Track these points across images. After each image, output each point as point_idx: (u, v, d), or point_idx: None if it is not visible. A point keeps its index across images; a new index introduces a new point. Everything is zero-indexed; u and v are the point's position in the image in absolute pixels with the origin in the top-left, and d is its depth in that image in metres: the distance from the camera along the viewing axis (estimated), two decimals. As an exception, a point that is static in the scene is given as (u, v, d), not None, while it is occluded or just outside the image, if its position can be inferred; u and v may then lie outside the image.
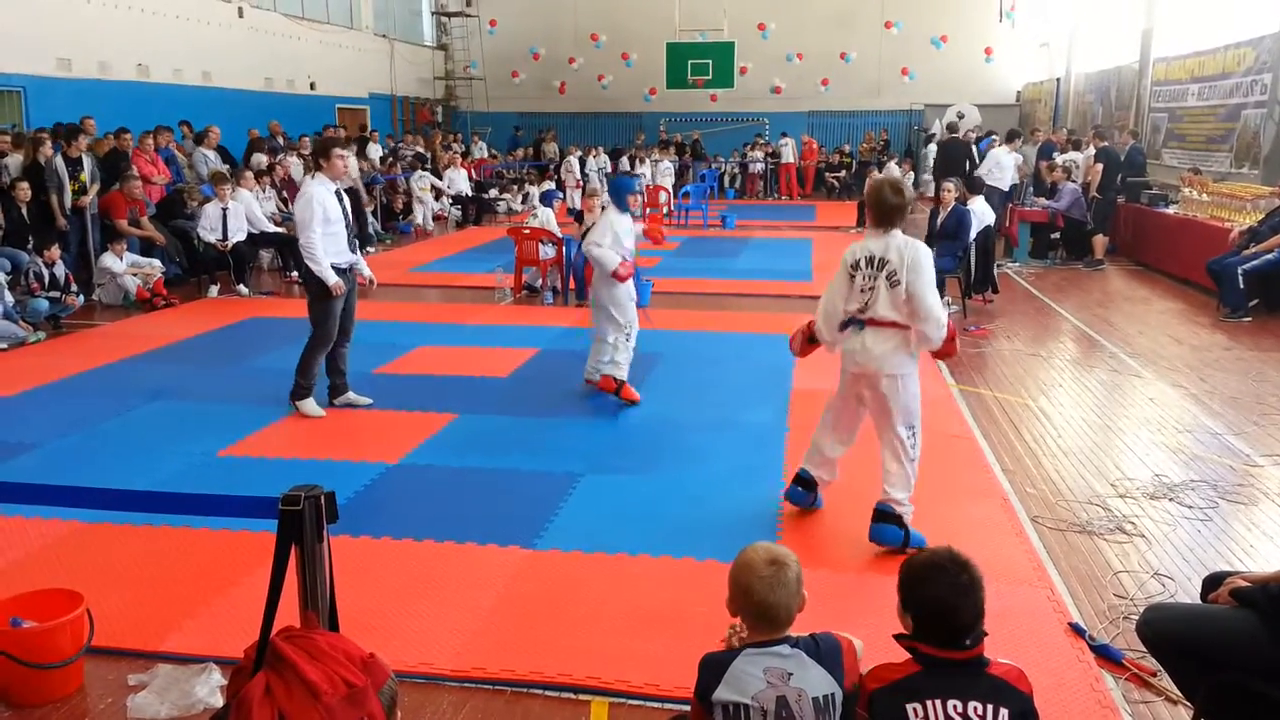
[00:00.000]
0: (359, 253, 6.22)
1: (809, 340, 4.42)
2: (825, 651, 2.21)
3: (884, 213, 4.08)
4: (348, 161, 6.13)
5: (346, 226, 6.01)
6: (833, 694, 2.17)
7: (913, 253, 4.01)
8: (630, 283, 6.28)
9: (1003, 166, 12.76)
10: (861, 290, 4.09)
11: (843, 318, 4.18)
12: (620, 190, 6.38)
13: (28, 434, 5.72)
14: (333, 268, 5.89)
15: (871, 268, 4.05)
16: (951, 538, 4.19)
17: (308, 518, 2.31)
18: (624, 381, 6.23)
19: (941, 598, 2.14)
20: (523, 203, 17.63)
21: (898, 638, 2.23)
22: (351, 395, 6.28)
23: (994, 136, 15.10)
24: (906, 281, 3.98)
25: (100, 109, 12.00)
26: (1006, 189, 12.71)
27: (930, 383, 6.81)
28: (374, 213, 15.03)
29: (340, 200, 5.99)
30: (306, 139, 14.75)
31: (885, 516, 4.15)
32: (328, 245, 5.88)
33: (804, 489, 4.52)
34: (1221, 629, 2.62)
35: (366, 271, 6.28)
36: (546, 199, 11.42)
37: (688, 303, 9.80)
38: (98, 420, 5.98)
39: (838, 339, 4.26)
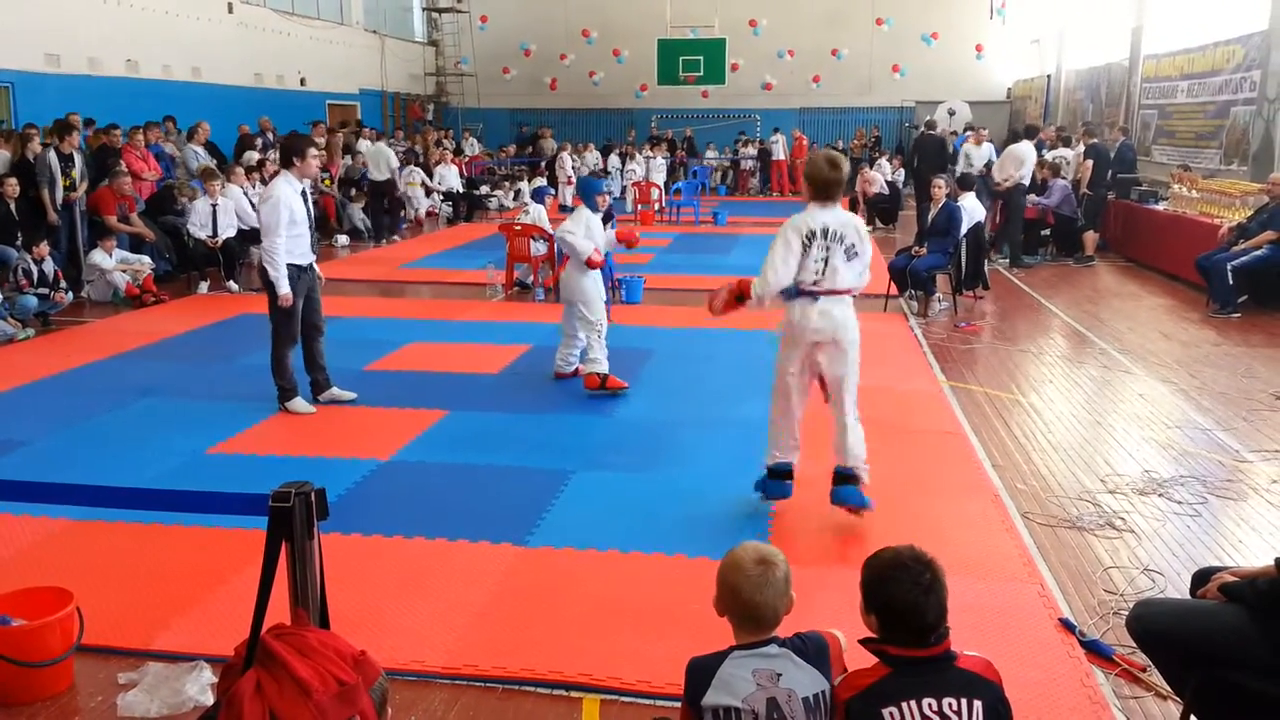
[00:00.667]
0: (317, 251, 6.22)
1: (737, 300, 4.36)
2: (813, 650, 2.21)
3: (826, 186, 4.18)
4: (319, 160, 6.12)
5: (310, 228, 5.99)
6: (822, 692, 2.17)
7: (861, 225, 4.29)
8: (600, 279, 6.48)
9: (1028, 163, 12.41)
10: (815, 261, 4.14)
11: (789, 286, 4.21)
12: (589, 191, 6.82)
13: (16, 431, 5.69)
14: (294, 266, 5.86)
15: (825, 239, 4.13)
16: (942, 534, 4.22)
17: (298, 515, 2.31)
18: (606, 374, 6.31)
19: (904, 597, 2.13)
20: (514, 199, 17.62)
21: (864, 642, 2.22)
22: (335, 391, 6.26)
23: (969, 133, 15.12)
24: (863, 253, 4.22)
25: (89, 105, 11.93)
26: (1025, 184, 12.32)
27: (920, 379, 6.84)
28: (365, 209, 15.00)
29: (305, 200, 5.95)
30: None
31: (849, 479, 4.31)
32: (292, 246, 5.83)
33: (789, 479, 4.50)
34: (1210, 624, 2.63)
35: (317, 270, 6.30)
36: (538, 195, 11.42)
37: (679, 299, 9.79)
38: (87, 417, 5.95)
39: (771, 304, 4.29)
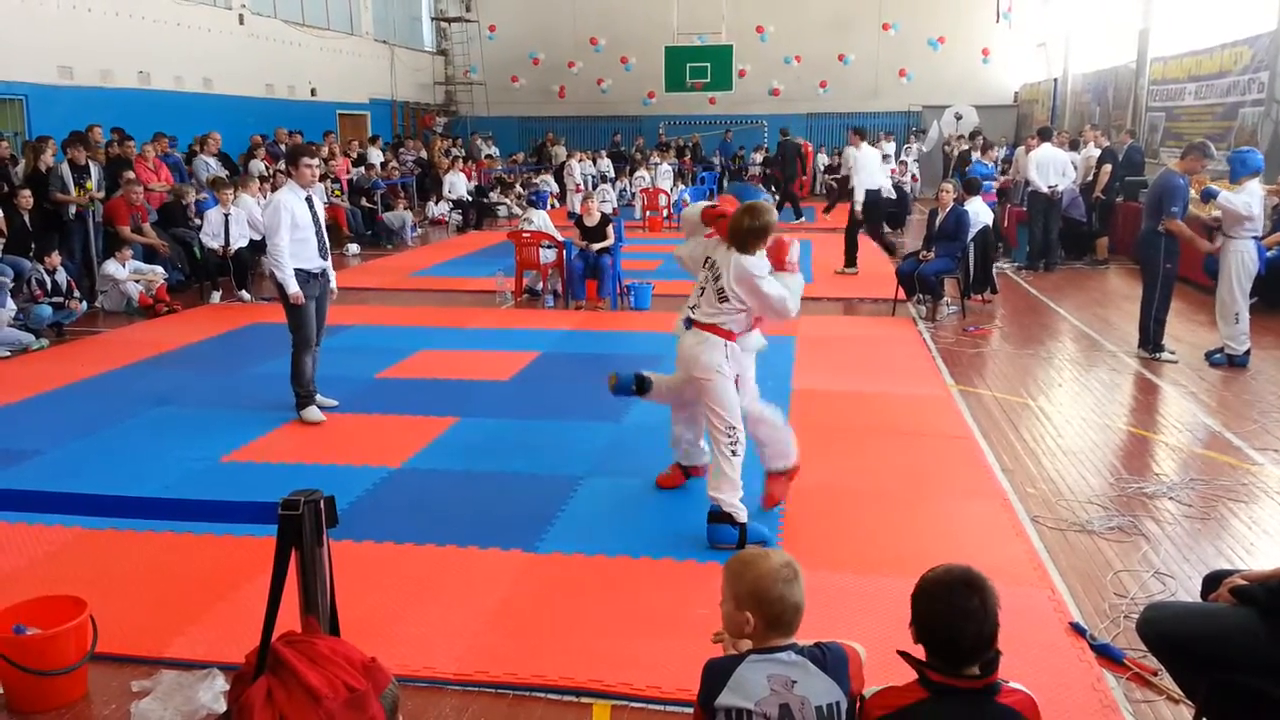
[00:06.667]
0: (328, 258, 6.21)
1: None
2: (831, 661, 2.18)
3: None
4: (315, 169, 6.10)
5: (316, 233, 6.03)
6: (837, 702, 2.13)
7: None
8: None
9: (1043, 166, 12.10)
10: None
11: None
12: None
13: (32, 441, 5.74)
14: (302, 272, 5.95)
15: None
16: (951, 538, 4.22)
17: (307, 522, 2.32)
18: None
19: (942, 618, 2.06)
20: (519, 200, 17.69)
21: (905, 657, 2.16)
22: (318, 397, 6.28)
23: (974, 144, 15.05)
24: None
25: (102, 117, 12.02)
26: (1045, 189, 11.86)
27: (929, 383, 6.84)
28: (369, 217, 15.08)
29: (311, 207, 6.01)
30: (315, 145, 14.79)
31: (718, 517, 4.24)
32: (297, 251, 5.92)
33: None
34: (1222, 627, 2.62)
35: (333, 282, 6.30)
36: (537, 201, 11.45)
37: (688, 305, 9.80)
38: (101, 427, 6.00)
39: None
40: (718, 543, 4.18)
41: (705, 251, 4.36)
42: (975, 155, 14.47)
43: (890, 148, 19.54)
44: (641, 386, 4.61)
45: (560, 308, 9.91)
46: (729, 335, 4.24)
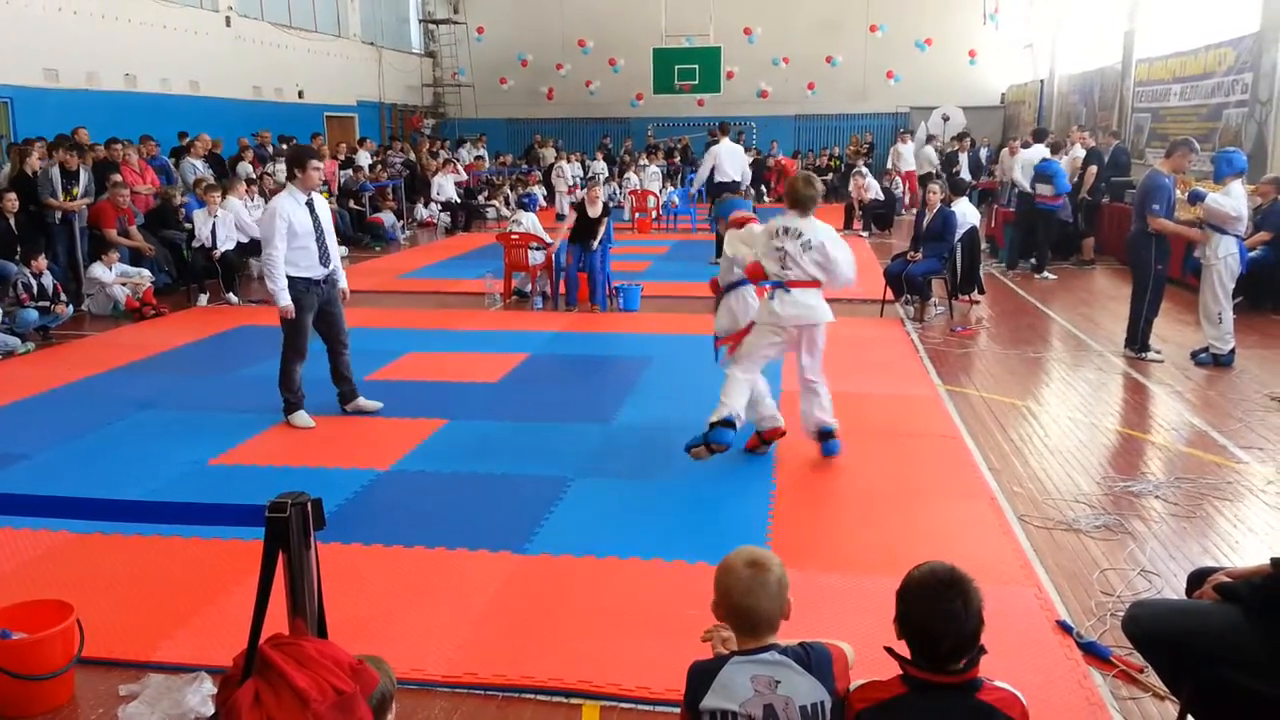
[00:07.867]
0: (331, 264, 6.01)
1: None
2: (815, 660, 2.19)
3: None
4: (322, 173, 5.92)
5: (317, 239, 5.85)
6: (821, 702, 2.14)
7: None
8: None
9: (1028, 168, 12.08)
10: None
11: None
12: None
13: (17, 445, 5.70)
14: (301, 280, 5.80)
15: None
16: (939, 537, 4.24)
17: (294, 525, 2.32)
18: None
19: (923, 617, 2.07)
20: (507, 206, 17.68)
21: (891, 652, 2.17)
22: (361, 401, 6.25)
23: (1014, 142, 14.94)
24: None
25: (88, 119, 11.96)
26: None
27: (917, 384, 6.86)
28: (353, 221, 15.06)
29: (312, 212, 5.82)
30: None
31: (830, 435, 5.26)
32: (298, 259, 5.77)
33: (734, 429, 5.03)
34: (1206, 624, 2.64)
35: (343, 283, 6.19)
36: (527, 204, 11.46)
37: (677, 306, 9.82)
38: (88, 430, 5.97)
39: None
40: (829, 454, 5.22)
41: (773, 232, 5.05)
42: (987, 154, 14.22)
43: (909, 149, 19.44)
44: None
45: (549, 309, 9.91)
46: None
